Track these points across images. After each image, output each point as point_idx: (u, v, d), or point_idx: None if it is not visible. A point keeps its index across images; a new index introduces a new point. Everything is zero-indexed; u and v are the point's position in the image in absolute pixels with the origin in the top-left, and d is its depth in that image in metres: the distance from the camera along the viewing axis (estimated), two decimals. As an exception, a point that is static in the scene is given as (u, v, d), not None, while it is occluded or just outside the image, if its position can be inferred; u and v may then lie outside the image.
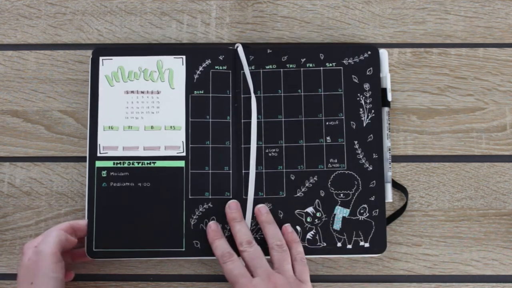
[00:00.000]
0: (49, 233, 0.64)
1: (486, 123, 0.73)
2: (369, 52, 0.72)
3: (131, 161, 0.70)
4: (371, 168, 0.70)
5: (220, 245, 0.67)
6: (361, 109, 0.71)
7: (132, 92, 0.72)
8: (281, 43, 0.75)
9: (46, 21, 0.75)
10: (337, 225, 0.70)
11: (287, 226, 0.69)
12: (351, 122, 0.71)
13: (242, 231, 0.67)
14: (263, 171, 0.71)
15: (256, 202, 0.70)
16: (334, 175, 0.70)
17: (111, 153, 0.71)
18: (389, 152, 0.71)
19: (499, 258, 0.70)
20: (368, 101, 0.71)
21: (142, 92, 0.72)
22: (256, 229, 0.70)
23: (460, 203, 0.71)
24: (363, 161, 0.70)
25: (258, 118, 0.71)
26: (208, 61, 0.72)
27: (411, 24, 0.75)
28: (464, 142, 0.73)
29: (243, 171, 0.71)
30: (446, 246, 0.71)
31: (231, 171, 0.71)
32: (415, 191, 0.72)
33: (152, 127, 0.71)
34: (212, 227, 0.68)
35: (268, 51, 0.73)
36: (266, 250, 0.67)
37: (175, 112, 0.71)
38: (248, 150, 0.71)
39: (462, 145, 0.72)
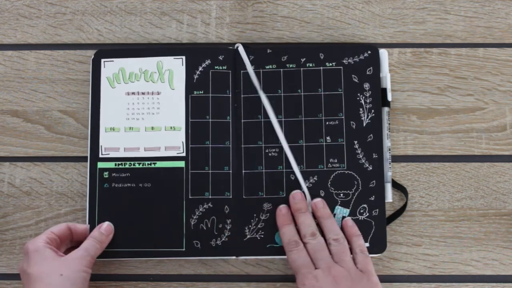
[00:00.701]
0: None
1: (486, 123, 0.73)
2: (369, 52, 0.72)
3: (132, 162, 0.70)
4: (371, 168, 0.70)
5: (287, 231, 0.67)
6: (361, 109, 0.71)
7: (133, 93, 0.72)
8: (281, 43, 0.75)
9: (46, 21, 0.75)
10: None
11: (348, 220, 0.69)
12: (351, 122, 0.71)
13: (306, 222, 0.67)
14: (263, 171, 0.71)
15: (256, 201, 0.70)
16: (334, 175, 0.71)
17: (112, 154, 0.71)
18: (389, 152, 0.71)
19: (499, 258, 0.70)
20: (368, 101, 0.71)
21: (143, 93, 0.72)
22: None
23: (460, 203, 0.71)
24: (363, 161, 0.71)
25: (258, 118, 0.71)
26: (207, 61, 0.72)
27: (411, 24, 0.75)
28: (464, 142, 0.73)
29: (243, 171, 0.71)
30: (446, 246, 0.71)
31: (231, 171, 0.71)
32: (415, 191, 0.72)
33: (152, 128, 0.71)
34: (283, 211, 0.69)
35: (268, 51, 0.73)
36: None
37: (175, 113, 0.72)
38: (248, 150, 0.71)
39: (462, 145, 0.72)
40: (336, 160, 0.71)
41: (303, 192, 0.70)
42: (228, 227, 0.69)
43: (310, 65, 0.72)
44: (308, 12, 0.75)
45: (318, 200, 0.69)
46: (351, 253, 0.67)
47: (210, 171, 0.70)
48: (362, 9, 0.75)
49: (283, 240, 0.67)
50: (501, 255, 0.70)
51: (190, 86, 0.72)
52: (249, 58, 0.72)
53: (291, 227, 0.68)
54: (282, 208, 0.69)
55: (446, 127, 0.73)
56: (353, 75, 0.72)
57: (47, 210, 0.72)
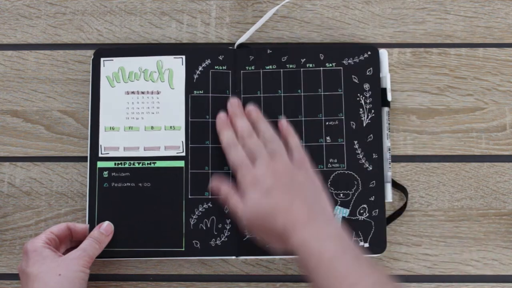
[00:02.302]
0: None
1: (486, 123, 0.73)
2: (369, 52, 0.72)
3: (131, 162, 0.70)
4: (371, 168, 0.70)
5: (226, 134, 0.69)
6: (361, 109, 0.71)
7: (133, 92, 0.72)
8: (281, 43, 0.75)
9: (46, 21, 0.75)
10: (337, 225, 0.70)
11: (282, 122, 0.70)
12: (351, 122, 0.71)
13: (242, 125, 0.68)
14: (263, 171, 0.71)
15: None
16: (334, 175, 0.70)
17: (112, 154, 0.71)
18: (389, 152, 0.71)
19: (499, 258, 0.70)
20: (368, 101, 0.71)
21: (143, 93, 0.72)
22: None
23: (460, 203, 0.71)
24: (363, 161, 0.71)
25: (258, 118, 0.72)
26: (207, 61, 0.72)
27: (411, 24, 0.75)
28: (464, 142, 0.73)
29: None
30: (446, 246, 0.71)
31: (230, 171, 0.71)
32: (415, 191, 0.72)
33: (152, 127, 0.71)
34: (222, 117, 0.70)
35: (268, 51, 0.73)
36: None
37: (175, 112, 0.72)
38: (248, 150, 0.71)
39: (462, 145, 0.72)
40: (336, 160, 0.71)
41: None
42: (228, 227, 0.69)
43: (310, 65, 0.72)
44: (308, 12, 0.75)
45: (251, 107, 0.70)
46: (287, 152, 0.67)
47: (210, 171, 0.70)
48: (362, 9, 0.75)
49: (222, 143, 0.68)
50: (501, 255, 0.70)
51: (190, 85, 0.72)
52: (249, 58, 0.73)
53: (229, 131, 0.69)
54: (221, 115, 0.70)
55: (446, 127, 0.73)
56: (353, 76, 0.72)
57: (47, 210, 0.72)
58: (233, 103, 0.70)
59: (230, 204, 0.65)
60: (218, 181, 0.68)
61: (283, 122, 0.70)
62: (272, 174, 0.64)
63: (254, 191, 0.63)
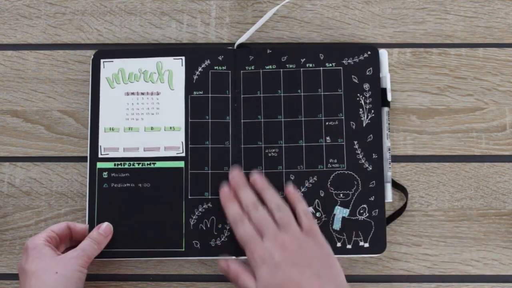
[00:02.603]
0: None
1: (486, 123, 0.73)
2: (368, 52, 0.72)
3: (131, 162, 0.71)
4: (370, 168, 0.70)
5: (231, 208, 0.68)
6: (361, 109, 0.71)
7: (133, 93, 0.72)
8: (281, 43, 0.75)
9: (46, 21, 0.75)
10: (337, 225, 0.70)
11: (289, 188, 0.69)
12: (351, 122, 0.71)
13: (246, 196, 0.68)
14: (263, 171, 0.71)
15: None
16: (333, 175, 0.70)
17: (112, 154, 0.71)
18: (389, 152, 0.71)
19: (499, 258, 0.70)
20: (368, 101, 0.71)
21: (142, 94, 0.72)
22: None
23: (460, 203, 0.71)
24: (363, 161, 0.71)
25: (258, 118, 0.71)
26: (207, 62, 0.72)
27: (411, 24, 0.75)
28: (464, 142, 0.73)
29: (243, 171, 0.71)
30: (446, 246, 0.71)
31: (228, 171, 0.71)
32: (415, 191, 0.72)
33: (152, 128, 0.71)
34: (225, 190, 0.69)
35: (268, 51, 0.73)
36: None
37: (175, 113, 0.72)
38: (247, 150, 0.71)
39: (462, 145, 0.72)
40: (336, 160, 0.71)
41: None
42: (228, 227, 0.69)
43: (310, 65, 0.72)
44: (308, 12, 0.75)
45: (255, 176, 0.69)
46: (295, 217, 0.67)
47: (209, 171, 0.71)
48: (362, 9, 0.75)
49: (229, 218, 0.67)
50: (501, 255, 0.70)
51: (189, 86, 0.72)
52: (249, 58, 0.73)
53: (234, 205, 0.68)
54: (224, 189, 0.69)
55: (446, 127, 0.73)
56: (353, 76, 0.72)
57: (47, 210, 0.72)
58: (235, 175, 0.69)
59: (239, 282, 0.65)
60: (227, 260, 0.67)
61: (290, 189, 0.69)
62: (280, 248, 0.63)
63: (263, 269, 0.63)
